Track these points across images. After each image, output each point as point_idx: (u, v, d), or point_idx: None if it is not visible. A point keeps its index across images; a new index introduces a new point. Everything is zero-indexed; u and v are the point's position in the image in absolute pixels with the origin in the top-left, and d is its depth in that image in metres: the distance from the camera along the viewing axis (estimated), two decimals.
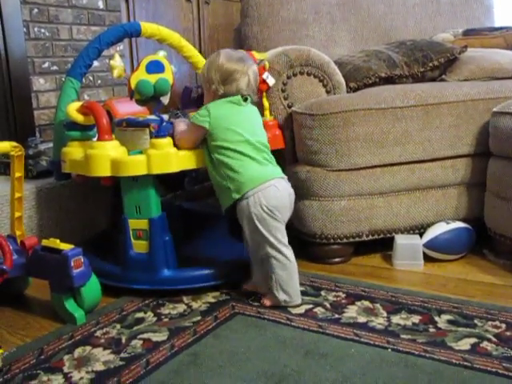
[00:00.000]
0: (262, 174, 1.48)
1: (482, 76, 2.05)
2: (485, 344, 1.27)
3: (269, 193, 1.46)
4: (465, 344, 1.28)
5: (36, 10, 2.30)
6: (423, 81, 2.12)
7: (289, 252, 1.50)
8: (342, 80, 1.95)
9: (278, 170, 1.54)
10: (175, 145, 1.56)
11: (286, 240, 1.50)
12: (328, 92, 1.91)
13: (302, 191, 1.77)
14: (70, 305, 1.47)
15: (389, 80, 2.08)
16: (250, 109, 1.58)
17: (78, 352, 1.31)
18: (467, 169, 1.86)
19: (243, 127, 1.51)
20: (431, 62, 2.11)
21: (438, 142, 1.81)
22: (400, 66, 2.10)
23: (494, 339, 1.29)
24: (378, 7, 2.57)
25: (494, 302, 1.49)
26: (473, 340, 1.29)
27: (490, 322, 1.37)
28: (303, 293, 1.58)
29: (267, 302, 1.52)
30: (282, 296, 1.50)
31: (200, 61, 2.12)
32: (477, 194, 1.87)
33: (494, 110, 1.75)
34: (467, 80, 2.05)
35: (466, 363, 1.20)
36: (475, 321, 1.38)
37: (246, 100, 1.55)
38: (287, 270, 1.49)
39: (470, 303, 1.49)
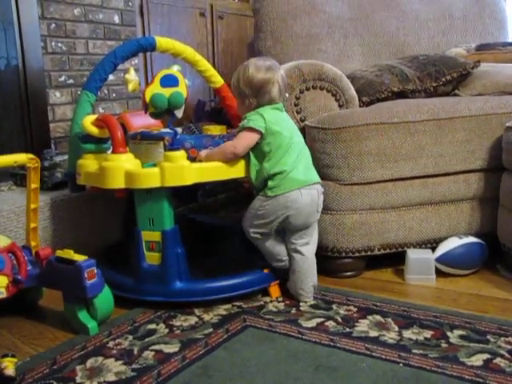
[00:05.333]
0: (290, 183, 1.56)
1: (495, 91, 2.05)
2: (498, 360, 1.26)
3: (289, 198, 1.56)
4: (477, 360, 1.27)
5: (54, 25, 2.34)
6: (436, 95, 2.13)
7: None
8: (355, 94, 1.96)
9: (303, 178, 1.58)
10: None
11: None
12: (340, 106, 1.92)
13: None
14: (82, 315, 1.49)
15: (401, 94, 2.09)
16: (287, 115, 1.67)
17: (90, 362, 1.32)
18: (480, 183, 1.85)
19: (289, 131, 1.59)
20: (444, 77, 2.12)
21: (450, 157, 1.81)
22: (413, 81, 2.10)
23: (507, 355, 1.28)
24: (391, 22, 2.58)
25: (507, 317, 1.48)
26: (485, 356, 1.28)
27: (503, 338, 1.36)
28: (314, 306, 1.58)
29: None
30: None
31: (214, 74, 2.13)
32: (490, 209, 1.86)
33: (508, 124, 1.75)
34: (480, 95, 2.05)
35: (478, 379, 1.19)
36: (488, 336, 1.37)
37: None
38: None
39: (483, 319, 1.48)
